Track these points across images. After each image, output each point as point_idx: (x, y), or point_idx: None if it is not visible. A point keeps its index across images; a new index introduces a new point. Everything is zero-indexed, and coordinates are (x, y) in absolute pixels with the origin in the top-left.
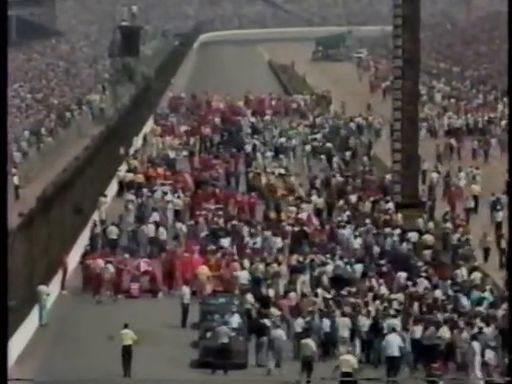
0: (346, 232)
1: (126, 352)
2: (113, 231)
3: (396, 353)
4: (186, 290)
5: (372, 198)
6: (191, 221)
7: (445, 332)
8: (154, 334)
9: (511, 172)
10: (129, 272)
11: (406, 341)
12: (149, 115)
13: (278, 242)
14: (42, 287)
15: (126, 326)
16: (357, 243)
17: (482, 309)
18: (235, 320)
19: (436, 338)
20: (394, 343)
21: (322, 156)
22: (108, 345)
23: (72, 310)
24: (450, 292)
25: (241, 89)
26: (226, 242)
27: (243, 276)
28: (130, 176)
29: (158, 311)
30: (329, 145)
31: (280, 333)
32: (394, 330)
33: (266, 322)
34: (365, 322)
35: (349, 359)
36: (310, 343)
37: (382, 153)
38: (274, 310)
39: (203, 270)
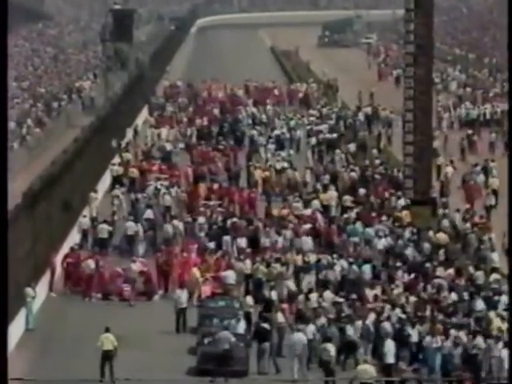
0: (355, 230)
1: (106, 357)
2: (103, 229)
3: (391, 360)
4: (181, 293)
5: (384, 194)
6: (189, 218)
7: (480, 340)
8: (147, 339)
9: (511, 171)
10: (120, 274)
11: (428, 349)
12: (143, 105)
13: (309, 242)
14: (28, 289)
15: (107, 330)
16: (381, 244)
17: (499, 312)
18: (241, 326)
19: (471, 347)
20: (391, 349)
21: (329, 149)
22: (98, 352)
23: (60, 314)
24: (466, 295)
25: (241, 77)
26: (242, 242)
27: (230, 276)
28: (122, 170)
29: (152, 315)
30: (336, 136)
31: (300, 337)
32: (388, 335)
33: (268, 326)
34: (387, 328)
35: (366, 368)
36: (330, 348)
37: (392, 145)
38: (279, 315)
39: (194, 273)
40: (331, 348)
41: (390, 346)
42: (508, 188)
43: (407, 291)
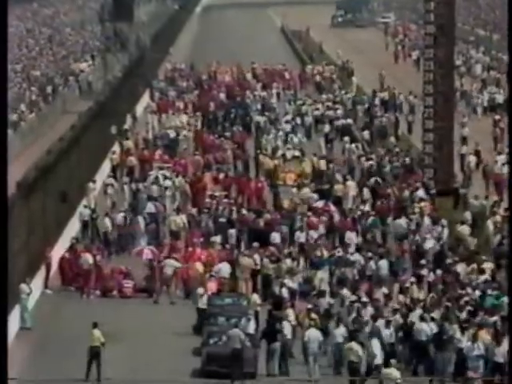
0: (375, 223)
1: (94, 354)
2: (102, 222)
3: (380, 361)
4: (202, 291)
5: (402, 185)
6: (193, 210)
7: None
8: (148, 339)
9: (511, 171)
10: (121, 269)
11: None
12: (144, 89)
13: (353, 238)
14: (23, 286)
15: (95, 326)
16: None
17: None
18: (251, 325)
19: None
20: (379, 350)
21: (343, 136)
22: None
23: (56, 312)
24: (490, 292)
25: (249, 59)
26: (276, 237)
27: (224, 269)
28: (122, 159)
29: (154, 313)
30: (350, 123)
31: (315, 334)
32: (376, 333)
33: (279, 325)
34: (425, 329)
35: (391, 372)
36: (355, 347)
37: (412, 132)
38: (289, 312)
39: (197, 268)
40: (358, 348)
41: (377, 347)
42: (508, 186)
43: (430, 288)
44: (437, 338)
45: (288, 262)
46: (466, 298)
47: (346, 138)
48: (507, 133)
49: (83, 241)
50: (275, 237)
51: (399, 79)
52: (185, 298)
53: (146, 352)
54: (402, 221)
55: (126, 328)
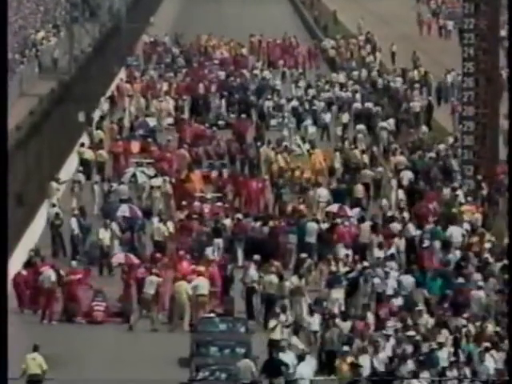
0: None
1: None
2: (71, 230)
3: None
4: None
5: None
6: (179, 215)
7: None
8: (124, 372)
9: (511, 171)
10: (90, 287)
11: None
12: (119, 67)
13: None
14: None
15: (35, 349)
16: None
17: None
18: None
19: None
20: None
21: (362, 125)
22: None
23: (12, 340)
24: None
25: (248, 31)
26: (341, 250)
27: (202, 284)
28: (90, 153)
29: (131, 341)
30: (372, 108)
31: (308, 371)
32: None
33: (283, 357)
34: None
35: None
36: None
37: (446, 120)
38: (295, 341)
39: (181, 288)
40: None
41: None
42: (508, 186)
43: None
44: None
45: (294, 279)
46: None
47: (361, 126)
48: (508, 131)
49: (52, 248)
50: (340, 250)
51: (432, 55)
52: (168, 322)
53: None
54: (459, 229)
55: (96, 359)
